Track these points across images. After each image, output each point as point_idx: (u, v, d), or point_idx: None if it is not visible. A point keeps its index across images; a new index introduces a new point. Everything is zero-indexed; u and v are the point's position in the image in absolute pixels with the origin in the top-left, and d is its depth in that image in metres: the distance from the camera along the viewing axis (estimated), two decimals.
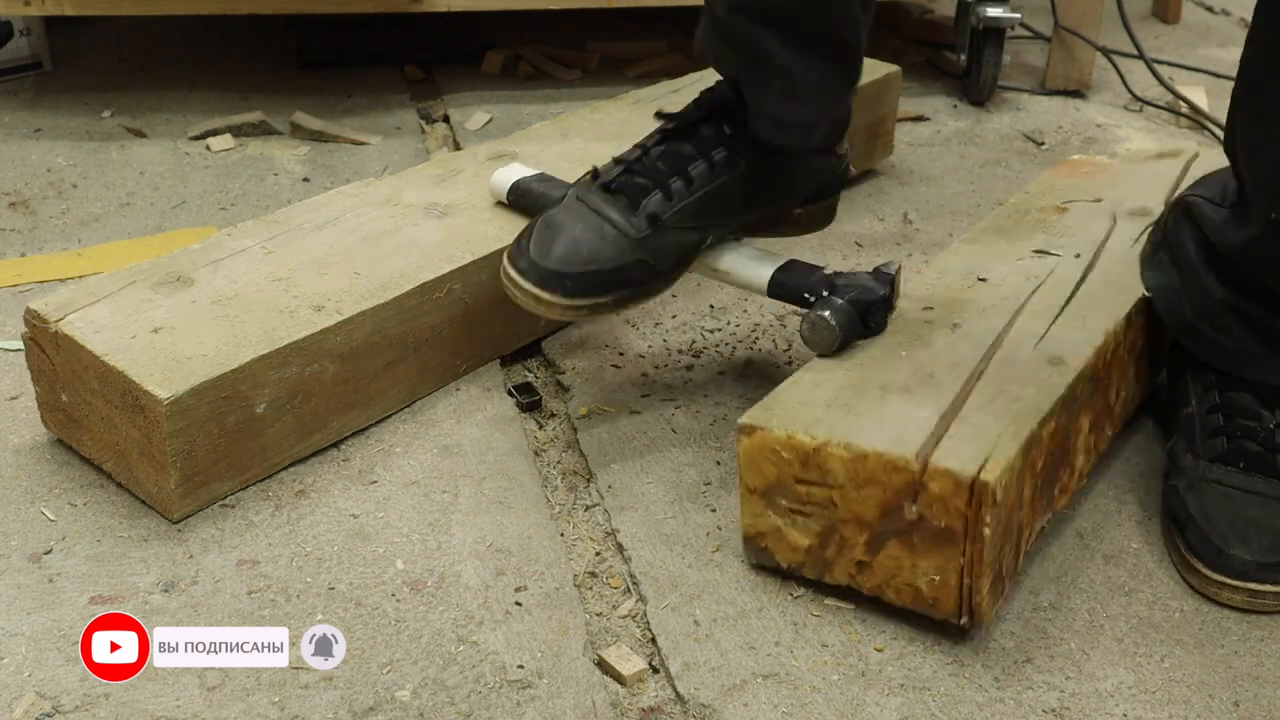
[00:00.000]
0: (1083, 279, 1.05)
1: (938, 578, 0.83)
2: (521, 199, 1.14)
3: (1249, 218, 0.98)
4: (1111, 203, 1.20)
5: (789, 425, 0.86)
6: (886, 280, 0.99)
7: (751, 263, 1.05)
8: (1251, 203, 0.97)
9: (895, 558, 0.85)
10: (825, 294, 0.98)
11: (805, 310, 0.98)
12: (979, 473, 0.79)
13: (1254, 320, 0.99)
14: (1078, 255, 1.09)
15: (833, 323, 0.95)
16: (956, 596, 0.83)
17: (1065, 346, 0.94)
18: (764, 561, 0.91)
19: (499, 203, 1.16)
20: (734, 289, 1.30)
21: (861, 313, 0.97)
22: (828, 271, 1.02)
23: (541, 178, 1.15)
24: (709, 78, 1.52)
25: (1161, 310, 1.04)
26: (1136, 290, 1.03)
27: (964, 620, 0.84)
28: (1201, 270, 1.01)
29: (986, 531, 0.80)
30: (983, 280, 1.06)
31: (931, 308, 1.01)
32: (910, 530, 0.83)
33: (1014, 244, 1.13)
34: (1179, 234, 1.05)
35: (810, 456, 0.84)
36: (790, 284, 1.02)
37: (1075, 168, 1.32)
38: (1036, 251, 1.10)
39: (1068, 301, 1.01)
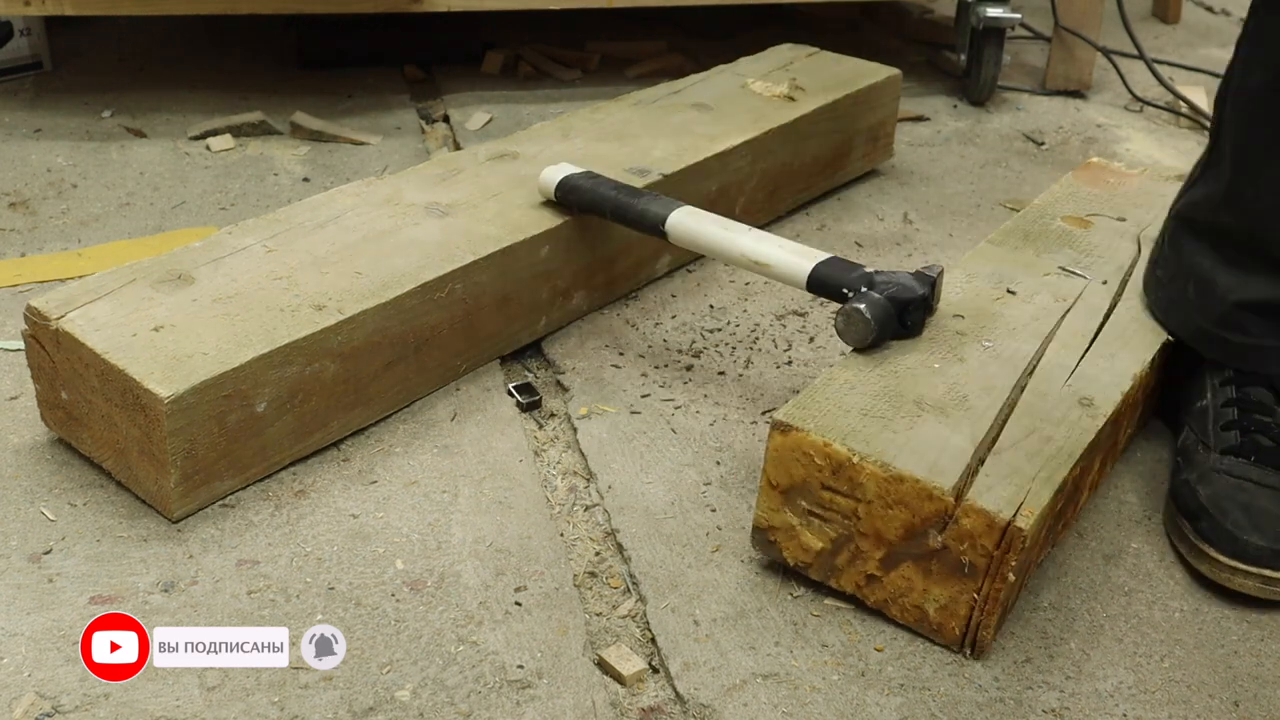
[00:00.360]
0: (1110, 310, 1.06)
1: (948, 606, 0.84)
2: (570, 195, 1.15)
3: (1220, 169, 1.00)
4: (1135, 224, 1.21)
5: (826, 431, 0.86)
6: (927, 282, 0.99)
7: (793, 256, 1.05)
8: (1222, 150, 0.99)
9: (908, 579, 0.85)
10: (863, 289, 0.98)
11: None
12: (1014, 517, 0.80)
13: (1270, 312, 0.99)
14: (1104, 282, 1.10)
15: (868, 316, 0.95)
16: (963, 627, 0.84)
17: (1095, 388, 0.95)
18: (769, 555, 0.91)
19: (546, 201, 1.17)
20: (735, 290, 1.30)
21: (899, 310, 0.97)
22: (869, 270, 1.01)
23: (589, 174, 1.17)
24: (711, 78, 1.52)
25: (1175, 327, 1.04)
26: (1161, 332, 1.04)
27: (965, 651, 0.85)
28: (1213, 277, 1.02)
29: (1011, 576, 0.81)
30: (1012, 293, 1.07)
31: (962, 316, 1.02)
32: (930, 557, 0.83)
33: (1040, 255, 1.14)
34: (1178, 248, 1.05)
35: (843, 467, 0.85)
36: (829, 278, 1.02)
37: (1098, 175, 1.33)
38: (1063, 269, 1.11)
39: (1096, 334, 1.02)
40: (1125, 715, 0.82)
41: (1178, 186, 1.29)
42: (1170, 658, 0.87)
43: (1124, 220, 1.22)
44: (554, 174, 1.17)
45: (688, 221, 1.11)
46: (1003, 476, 0.83)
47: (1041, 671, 0.85)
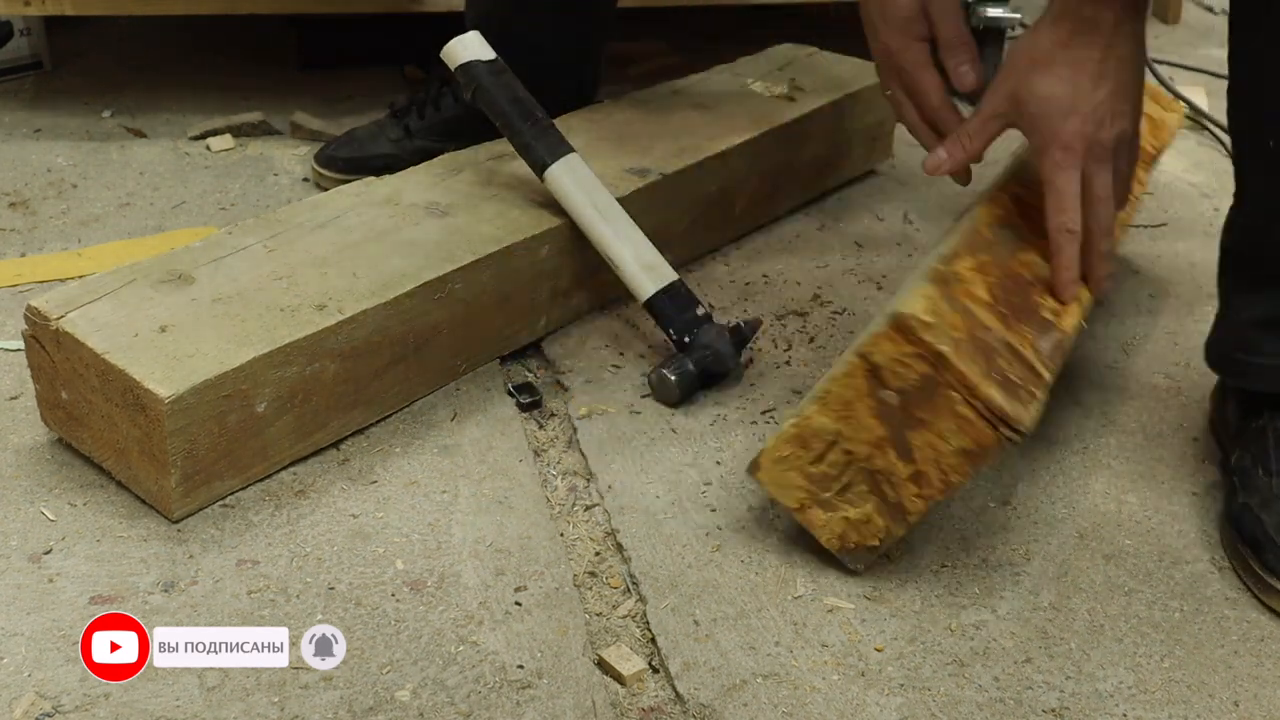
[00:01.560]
0: None
1: (959, 423, 0.84)
2: (470, 85, 1.16)
3: (1237, 193, 1.01)
4: None
5: (767, 449, 0.90)
6: (741, 343, 1.14)
7: (641, 272, 1.12)
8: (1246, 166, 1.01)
9: (925, 443, 0.85)
10: (685, 340, 1.10)
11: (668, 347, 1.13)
12: (895, 315, 0.83)
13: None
14: None
15: (676, 387, 1.09)
16: (984, 424, 0.83)
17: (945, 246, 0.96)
18: (864, 561, 0.91)
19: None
20: (735, 290, 1.30)
21: (706, 379, 1.11)
22: (700, 313, 1.12)
23: (495, 69, 1.16)
24: (711, 78, 1.52)
25: (1209, 359, 1.05)
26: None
27: (1008, 434, 0.83)
28: (1231, 300, 1.02)
29: (944, 348, 0.82)
30: None
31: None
32: (909, 412, 0.84)
33: None
34: (1220, 286, 1.05)
35: (797, 439, 0.87)
36: (663, 313, 1.12)
37: None
38: None
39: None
40: (1125, 715, 0.82)
41: None
42: (1170, 658, 0.87)
43: None
44: (460, 51, 1.16)
45: (565, 180, 1.11)
46: (884, 318, 0.86)
47: (1041, 671, 0.85)
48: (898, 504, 0.88)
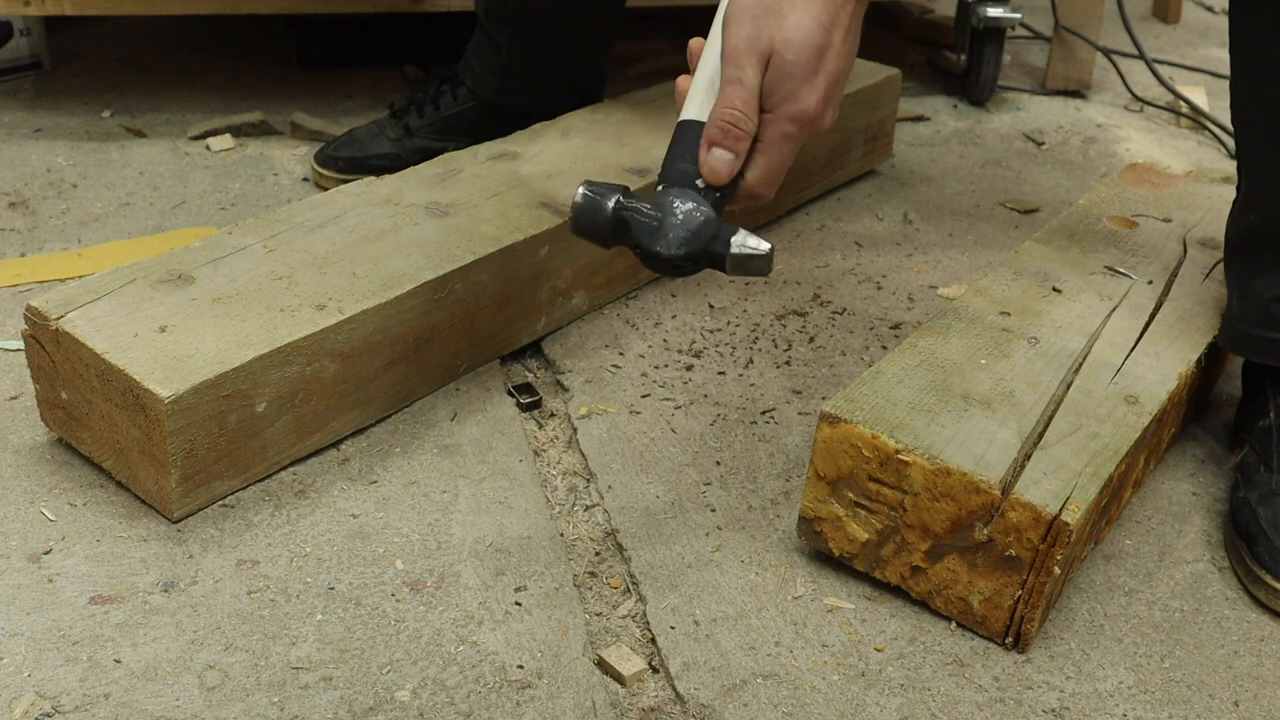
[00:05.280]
0: (1156, 310, 1.06)
1: (992, 599, 0.85)
2: None
3: (1241, 173, 1.02)
4: (1180, 225, 1.21)
5: (874, 423, 0.86)
6: (694, 234, 0.85)
7: (698, 95, 0.94)
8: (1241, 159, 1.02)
9: (953, 571, 0.86)
10: (658, 186, 0.88)
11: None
12: (1060, 511, 0.81)
13: None
14: (1150, 282, 1.10)
15: (574, 209, 0.85)
16: (1006, 620, 0.85)
17: (1140, 386, 0.95)
18: (816, 545, 0.91)
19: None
20: (735, 290, 1.30)
21: (616, 224, 0.85)
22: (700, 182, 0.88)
23: None
24: None
25: (1223, 340, 1.04)
26: (1207, 332, 1.04)
27: (1008, 642, 0.86)
28: (1251, 282, 1.01)
29: (1056, 570, 0.82)
30: (1058, 291, 1.07)
31: (1009, 314, 1.03)
32: (975, 549, 0.84)
33: (1086, 254, 1.14)
34: (1228, 269, 1.06)
35: (891, 459, 0.85)
36: (674, 142, 0.91)
37: (1143, 176, 1.33)
38: (1109, 269, 1.11)
39: (1142, 333, 1.02)
40: (1125, 715, 0.82)
41: (1222, 188, 1.30)
42: (1170, 658, 0.87)
43: (1169, 221, 1.22)
44: None
45: None
46: (1049, 471, 0.84)
47: (1041, 671, 0.85)
48: (880, 557, 0.88)
